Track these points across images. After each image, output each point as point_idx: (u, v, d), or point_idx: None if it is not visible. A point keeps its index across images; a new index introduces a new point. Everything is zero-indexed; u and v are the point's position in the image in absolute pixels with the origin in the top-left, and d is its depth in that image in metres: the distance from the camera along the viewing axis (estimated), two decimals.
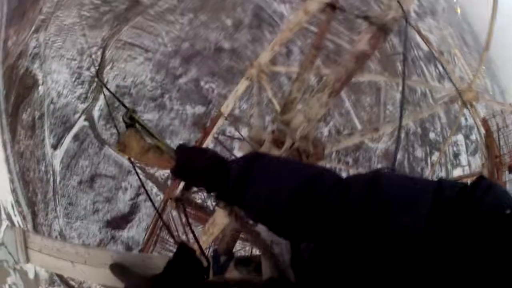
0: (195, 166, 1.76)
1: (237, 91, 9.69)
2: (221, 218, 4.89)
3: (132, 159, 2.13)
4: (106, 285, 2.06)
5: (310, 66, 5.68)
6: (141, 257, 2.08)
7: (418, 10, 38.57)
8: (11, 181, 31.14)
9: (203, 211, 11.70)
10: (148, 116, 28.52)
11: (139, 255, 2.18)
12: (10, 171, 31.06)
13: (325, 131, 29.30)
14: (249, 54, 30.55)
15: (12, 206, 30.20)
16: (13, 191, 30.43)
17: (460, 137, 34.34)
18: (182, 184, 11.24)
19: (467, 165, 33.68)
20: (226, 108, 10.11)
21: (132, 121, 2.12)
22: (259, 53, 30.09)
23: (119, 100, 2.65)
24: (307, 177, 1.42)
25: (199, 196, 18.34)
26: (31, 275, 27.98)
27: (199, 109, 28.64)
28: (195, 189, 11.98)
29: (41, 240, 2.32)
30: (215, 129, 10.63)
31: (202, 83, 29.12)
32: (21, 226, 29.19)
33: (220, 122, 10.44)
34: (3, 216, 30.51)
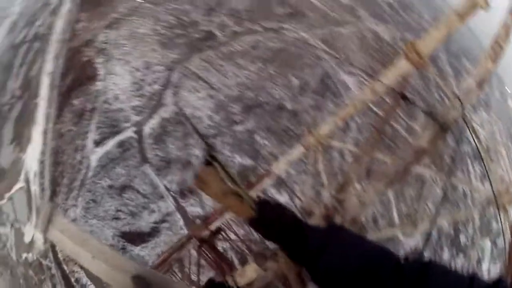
0: (276, 223, 1.90)
1: (290, 155, 9.51)
2: (252, 273, 4.79)
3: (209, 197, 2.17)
4: None
5: (371, 150, 5.70)
6: (165, 279, 2.17)
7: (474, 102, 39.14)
8: (42, 152, 31.14)
9: (222, 259, 11.71)
10: (195, 151, 28.87)
11: (163, 276, 2.20)
12: (45, 143, 31.00)
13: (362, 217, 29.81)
14: (309, 120, 31.01)
15: (35, 175, 30.19)
16: (41, 162, 30.37)
17: (487, 243, 34.19)
18: (208, 226, 11.67)
19: (486, 271, 32.98)
20: (276, 168, 10.00)
21: (213, 160, 2.09)
22: (318, 121, 31.45)
23: (200, 136, 2.87)
24: (374, 257, 1.72)
25: (222, 244, 18.85)
26: (26, 239, 27.91)
27: (247, 161, 28.94)
28: (220, 235, 12.25)
29: (67, 223, 2.40)
30: (259, 186, 10.32)
31: (256, 137, 29.47)
32: (36, 196, 29.45)
33: (267, 180, 10.30)
34: (22, 177, 30.71)
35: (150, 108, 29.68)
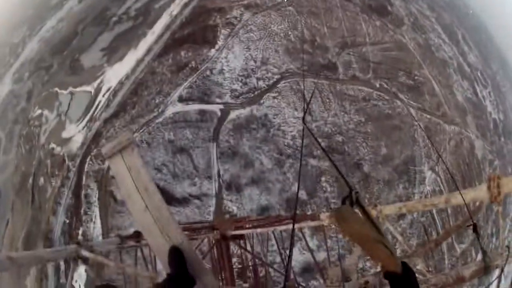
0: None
1: None
2: None
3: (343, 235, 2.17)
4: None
5: (424, 254, 6.10)
6: (198, 257, 2.12)
7: None
8: (127, 75, 30.78)
9: (227, 261, 11.97)
10: (263, 158, 28.51)
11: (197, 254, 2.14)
12: (133, 69, 31.11)
13: None
14: (375, 190, 30.16)
15: (109, 89, 30.22)
16: (121, 83, 30.15)
17: None
18: (235, 227, 12.41)
19: None
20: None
21: (357, 202, 2.13)
22: (381, 197, 30.34)
23: (342, 176, 2.47)
24: None
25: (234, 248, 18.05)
26: (64, 134, 28.44)
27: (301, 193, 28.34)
28: (239, 240, 12.19)
29: (139, 165, 2.26)
30: None
31: (322, 178, 28.96)
32: (103, 107, 30.19)
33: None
34: (96, 83, 31.32)
35: (247, 99, 29.75)
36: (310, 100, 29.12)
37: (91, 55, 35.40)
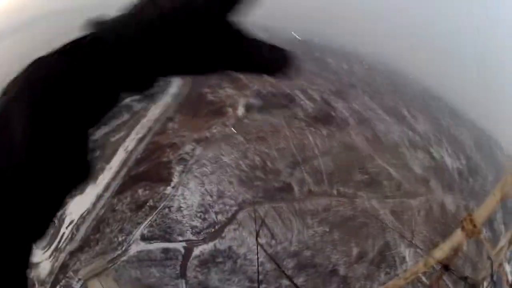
0: None
1: None
2: None
3: None
4: None
5: None
6: None
7: None
8: (89, 211, 30.76)
9: None
10: None
11: None
12: (94, 205, 31.41)
13: None
14: None
15: (71, 223, 29.77)
16: (82, 217, 30.14)
17: None
18: None
19: None
20: None
21: None
22: None
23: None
24: None
25: None
26: (32, 258, 27.59)
27: None
28: None
29: None
30: None
31: None
32: (63, 238, 29.96)
33: None
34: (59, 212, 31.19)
35: (208, 234, 29.67)
36: (261, 223, 29.59)
37: None
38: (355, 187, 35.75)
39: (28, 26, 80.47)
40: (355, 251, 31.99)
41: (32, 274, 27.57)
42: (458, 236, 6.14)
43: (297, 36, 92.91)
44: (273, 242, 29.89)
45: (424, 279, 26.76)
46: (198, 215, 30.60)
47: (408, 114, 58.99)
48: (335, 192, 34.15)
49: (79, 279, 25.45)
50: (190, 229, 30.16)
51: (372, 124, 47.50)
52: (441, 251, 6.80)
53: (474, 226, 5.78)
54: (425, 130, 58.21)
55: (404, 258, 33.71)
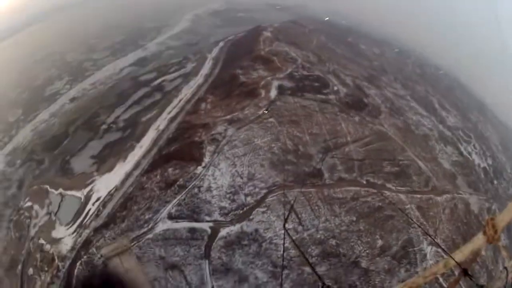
0: None
1: None
2: None
3: None
4: None
5: None
6: None
7: None
8: (117, 188, 31.78)
9: None
10: (257, 272, 28.54)
11: None
12: (123, 183, 31.83)
13: None
14: (377, 281, 29.89)
15: (98, 199, 30.62)
16: (110, 194, 30.78)
17: None
18: None
19: None
20: None
21: None
22: (385, 285, 30.11)
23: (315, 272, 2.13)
24: None
25: None
26: (54, 234, 29.55)
27: None
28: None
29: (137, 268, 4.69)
30: None
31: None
32: (87, 215, 30.93)
33: None
34: (86, 191, 32.32)
35: (236, 216, 29.85)
36: (290, 210, 29.61)
37: (82, 160, 36.68)
38: (385, 178, 35.33)
39: (28, 26, 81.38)
40: (379, 243, 31.83)
41: (53, 249, 28.33)
42: (479, 240, 5.85)
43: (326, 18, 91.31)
44: (300, 228, 29.85)
45: (441, 280, 26.54)
46: (228, 196, 30.56)
47: (439, 106, 57.82)
48: (364, 181, 33.79)
49: (101, 256, 25.64)
50: (219, 210, 30.13)
51: (404, 114, 46.68)
52: (461, 254, 6.28)
53: (495, 231, 5.41)
54: (455, 124, 57.11)
55: (425, 255, 33.49)
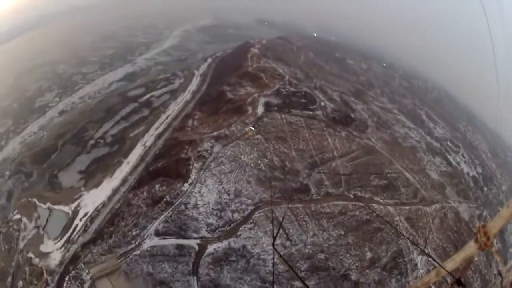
0: None
1: None
2: None
3: None
4: None
5: None
6: None
7: None
8: (104, 204, 31.43)
9: None
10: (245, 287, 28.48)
11: None
12: (109, 199, 31.81)
13: None
14: None
15: (85, 215, 30.62)
16: (97, 210, 30.83)
17: None
18: None
19: None
20: None
21: None
22: None
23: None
24: None
25: None
26: (42, 248, 29.74)
27: None
28: None
29: None
30: None
31: None
32: (75, 231, 30.70)
33: None
34: (73, 206, 32.34)
35: (223, 232, 29.72)
36: (279, 227, 29.59)
37: (69, 174, 36.85)
38: (372, 192, 35.57)
39: (29, 28, 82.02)
40: (368, 255, 31.89)
41: (41, 263, 28.15)
42: (471, 247, 5.96)
43: (314, 34, 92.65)
44: (288, 243, 29.86)
45: None
46: (214, 212, 30.55)
47: (427, 118, 58.50)
48: (351, 195, 33.99)
49: (90, 277, 25.39)
50: (206, 227, 30.09)
51: (391, 127, 47.16)
52: (453, 262, 6.37)
53: (488, 238, 5.56)
54: (442, 135, 57.76)
55: (416, 265, 33.62)
